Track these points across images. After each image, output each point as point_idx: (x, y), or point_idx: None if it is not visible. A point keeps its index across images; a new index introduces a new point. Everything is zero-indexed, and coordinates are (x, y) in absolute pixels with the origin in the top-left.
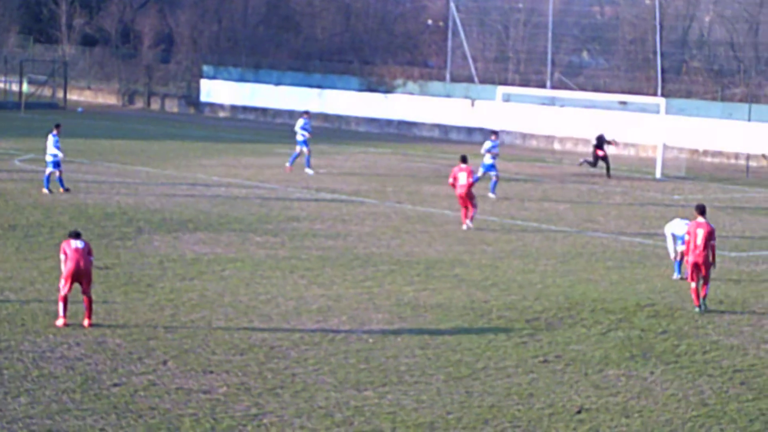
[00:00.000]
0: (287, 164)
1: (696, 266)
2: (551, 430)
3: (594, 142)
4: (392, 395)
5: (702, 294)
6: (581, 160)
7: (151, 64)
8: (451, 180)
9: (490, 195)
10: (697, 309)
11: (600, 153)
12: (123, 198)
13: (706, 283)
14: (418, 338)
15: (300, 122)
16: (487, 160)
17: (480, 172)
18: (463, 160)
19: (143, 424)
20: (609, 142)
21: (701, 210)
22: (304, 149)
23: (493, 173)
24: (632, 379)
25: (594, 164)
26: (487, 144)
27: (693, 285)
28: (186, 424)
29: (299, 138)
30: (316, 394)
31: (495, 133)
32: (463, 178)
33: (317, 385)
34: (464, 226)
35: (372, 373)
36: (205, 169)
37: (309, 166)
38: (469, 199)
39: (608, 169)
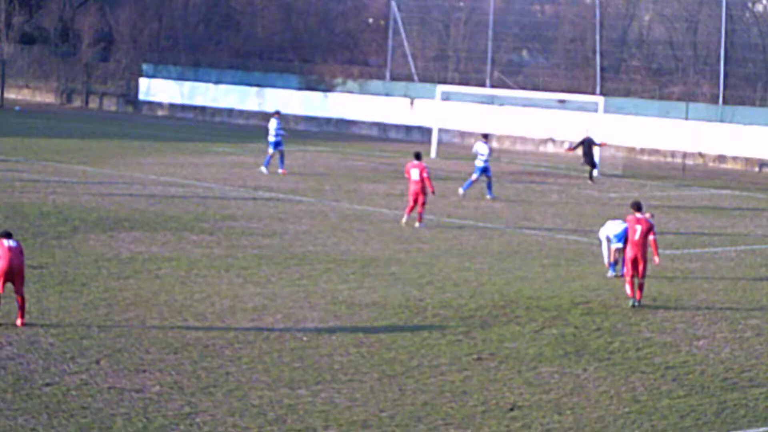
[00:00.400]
0: (279, 170)
1: (634, 261)
2: (484, 427)
3: (579, 143)
4: (326, 393)
5: (637, 297)
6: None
7: (90, 62)
8: (406, 175)
9: (488, 196)
10: (631, 302)
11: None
12: (59, 197)
13: (641, 285)
14: (353, 336)
15: (273, 123)
16: (479, 162)
17: (474, 176)
18: (417, 156)
19: (75, 423)
20: (599, 145)
21: (637, 206)
22: (270, 149)
23: (485, 176)
24: (565, 376)
25: (592, 164)
26: (480, 147)
27: (628, 278)
28: (118, 423)
29: (271, 139)
30: (249, 393)
31: (485, 136)
32: (415, 174)
33: (251, 383)
34: (403, 221)
35: (306, 371)
36: (143, 168)
37: (267, 165)
38: (423, 195)
39: (591, 172)
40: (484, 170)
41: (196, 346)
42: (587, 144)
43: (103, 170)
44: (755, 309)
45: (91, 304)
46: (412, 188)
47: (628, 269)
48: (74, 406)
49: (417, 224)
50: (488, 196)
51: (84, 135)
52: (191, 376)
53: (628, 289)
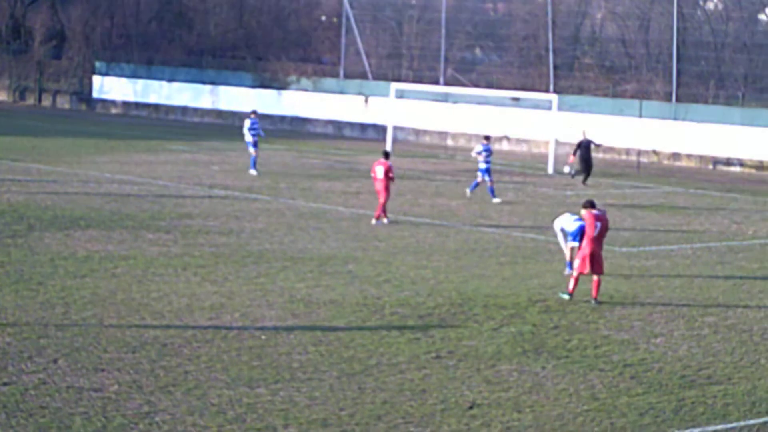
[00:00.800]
0: (250, 170)
1: (593, 257)
2: (443, 425)
3: (576, 147)
4: (285, 392)
5: (593, 294)
6: (572, 172)
7: (42, 60)
8: (372, 174)
9: (494, 200)
10: (566, 296)
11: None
12: (13, 195)
13: (599, 282)
14: (311, 335)
15: (247, 123)
16: (482, 165)
17: (479, 178)
18: (385, 155)
19: (33, 423)
20: (598, 145)
21: (591, 204)
22: (251, 150)
23: (487, 178)
24: (524, 374)
25: (587, 172)
26: (479, 147)
27: (575, 273)
28: (77, 423)
29: (248, 139)
30: (208, 392)
31: (487, 138)
32: (380, 173)
33: (210, 382)
34: (373, 221)
35: (265, 370)
36: (98, 166)
37: (255, 167)
38: (386, 192)
39: (586, 177)
40: (487, 171)
41: (154, 345)
42: (584, 147)
43: (58, 168)
44: (712, 306)
45: (47, 303)
46: (377, 186)
47: (584, 266)
48: (32, 405)
49: (384, 220)
50: (494, 200)
51: (38, 133)
52: (150, 375)
53: (572, 284)
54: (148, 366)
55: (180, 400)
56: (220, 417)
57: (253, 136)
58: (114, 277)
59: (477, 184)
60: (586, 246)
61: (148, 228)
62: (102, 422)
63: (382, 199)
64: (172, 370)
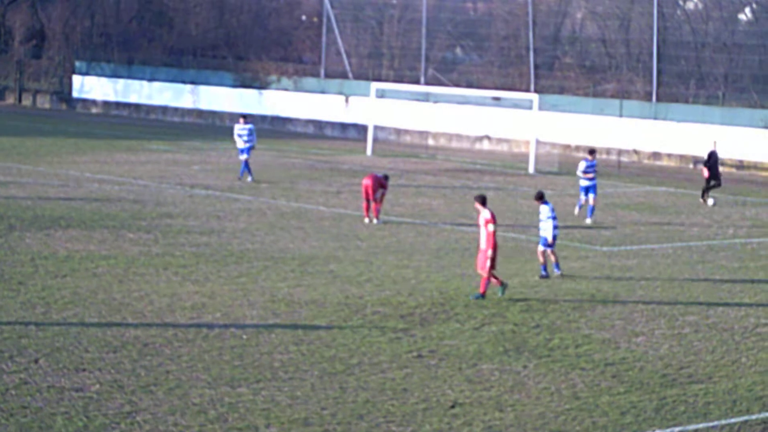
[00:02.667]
0: (240, 176)
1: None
2: (425, 424)
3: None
4: (266, 391)
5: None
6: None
7: (22, 59)
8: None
9: (587, 221)
10: (473, 297)
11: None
12: None
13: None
14: (293, 334)
15: (236, 128)
16: (584, 182)
17: (581, 198)
18: (385, 178)
19: (15, 423)
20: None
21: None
22: (244, 156)
23: (591, 196)
24: (505, 374)
25: (717, 184)
26: (582, 165)
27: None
28: (58, 423)
29: (242, 146)
30: (189, 391)
31: (592, 152)
32: (371, 180)
33: (191, 381)
34: (366, 220)
35: (246, 369)
36: (78, 166)
37: (250, 173)
38: (374, 192)
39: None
40: (589, 189)
41: (135, 345)
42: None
43: (38, 168)
44: (693, 305)
45: (28, 303)
46: (364, 183)
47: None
48: (14, 405)
49: (366, 219)
50: (587, 220)
51: (18, 133)
52: (131, 375)
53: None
54: (129, 365)
55: (161, 400)
56: (201, 416)
57: (246, 142)
58: (95, 277)
59: (592, 208)
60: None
61: (128, 228)
62: (83, 422)
63: (374, 198)
64: (153, 369)
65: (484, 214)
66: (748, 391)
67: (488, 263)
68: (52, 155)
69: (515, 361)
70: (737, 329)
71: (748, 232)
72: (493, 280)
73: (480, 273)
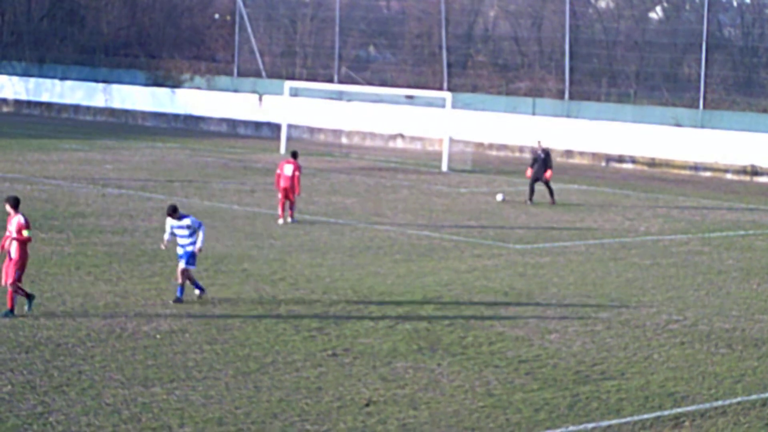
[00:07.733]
0: None
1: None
2: (340, 423)
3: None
4: (180, 391)
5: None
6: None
7: None
8: (278, 171)
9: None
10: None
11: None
12: None
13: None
14: (206, 334)
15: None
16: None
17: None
18: (293, 155)
19: None
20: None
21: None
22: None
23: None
24: (420, 371)
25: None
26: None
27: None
28: None
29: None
30: (103, 392)
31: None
32: (288, 170)
33: (104, 382)
34: (280, 221)
35: (160, 369)
36: None
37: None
38: (292, 192)
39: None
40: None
41: (48, 345)
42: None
43: None
44: (605, 302)
45: None
46: (283, 183)
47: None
48: None
49: (281, 220)
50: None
51: None
52: (43, 375)
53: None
54: (41, 366)
55: (74, 400)
56: (114, 416)
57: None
58: None
59: None
60: None
61: (40, 227)
62: None
63: (291, 198)
64: (66, 369)
65: (18, 219)
66: (660, 387)
67: (17, 274)
68: None
69: (429, 359)
70: (649, 326)
71: (660, 229)
72: (20, 292)
73: (7, 286)
